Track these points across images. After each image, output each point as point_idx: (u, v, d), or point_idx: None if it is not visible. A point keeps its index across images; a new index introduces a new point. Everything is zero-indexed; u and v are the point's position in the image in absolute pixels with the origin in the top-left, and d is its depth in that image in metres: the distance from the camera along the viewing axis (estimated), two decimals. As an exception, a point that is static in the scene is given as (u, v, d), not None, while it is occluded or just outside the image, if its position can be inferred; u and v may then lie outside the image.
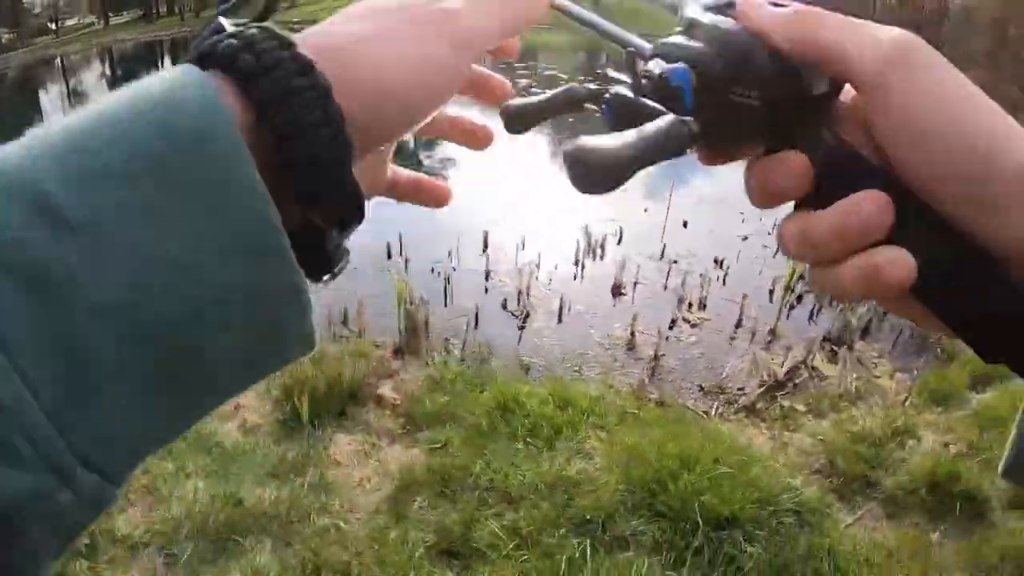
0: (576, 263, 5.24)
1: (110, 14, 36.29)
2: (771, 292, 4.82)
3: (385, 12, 0.28)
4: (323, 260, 0.27)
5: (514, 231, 5.51)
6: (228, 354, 0.23)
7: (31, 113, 18.32)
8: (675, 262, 5.24)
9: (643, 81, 0.32)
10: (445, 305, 4.53)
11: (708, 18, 0.32)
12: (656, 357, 3.95)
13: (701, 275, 4.94)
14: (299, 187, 0.24)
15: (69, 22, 37.76)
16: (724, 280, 5.01)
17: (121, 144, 0.21)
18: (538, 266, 5.07)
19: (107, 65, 26.08)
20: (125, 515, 2.53)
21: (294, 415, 3.07)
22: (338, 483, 2.77)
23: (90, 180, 0.20)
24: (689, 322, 4.42)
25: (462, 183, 7.37)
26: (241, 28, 0.25)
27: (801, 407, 3.57)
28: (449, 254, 5.14)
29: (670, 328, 4.32)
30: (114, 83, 21.43)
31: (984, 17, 15.54)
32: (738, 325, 4.42)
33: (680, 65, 0.31)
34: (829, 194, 0.29)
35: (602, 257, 5.38)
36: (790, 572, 2.36)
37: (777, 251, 5.22)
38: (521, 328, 4.33)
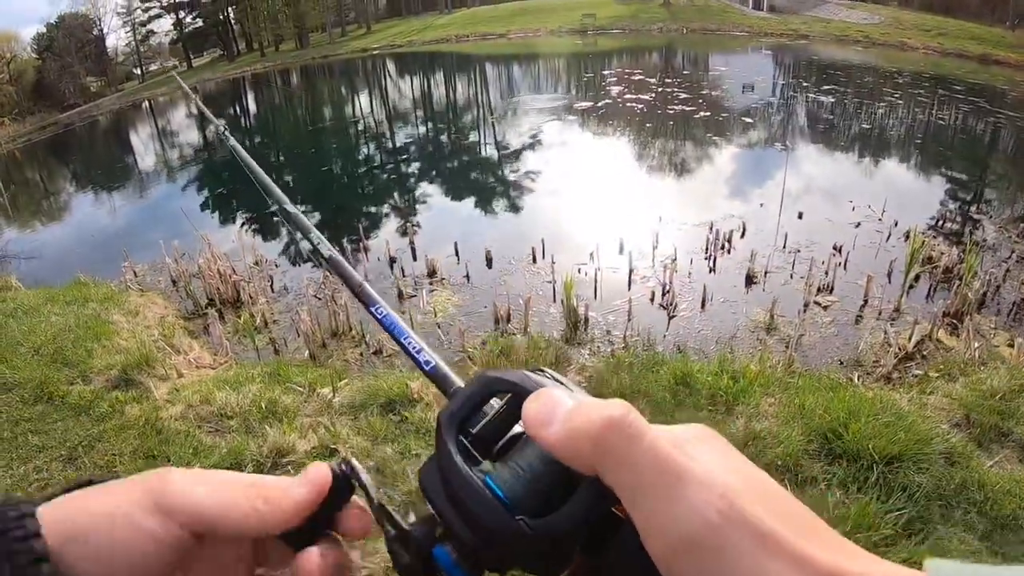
0: (707, 257, 5.71)
1: (191, 55, 37.60)
2: (888, 275, 5.22)
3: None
4: None
5: (648, 232, 6.04)
6: None
7: (124, 153, 19.51)
8: (798, 251, 5.68)
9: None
10: (595, 298, 5.13)
11: (462, 482, 0.33)
12: (797, 336, 4.39)
13: (823, 262, 5.33)
14: None
15: (152, 67, 39.33)
16: (844, 265, 5.37)
17: None
18: (674, 260, 5.55)
19: (193, 104, 27.45)
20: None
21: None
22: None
23: None
24: (820, 304, 4.86)
25: (578, 198, 7.97)
26: None
27: (933, 373, 3.95)
28: (591, 256, 5.69)
29: (804, 310, 4.77)
30: (201, 120, 22.36)
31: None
32: (863, 305, 4.82)
33: (438, 549, 0.34)
34: None
35: (729, 251, 5.82)
36: (948, 498, 2.76)
37: (889, 236, 5.67)
38: (671, 317, 4.85)
